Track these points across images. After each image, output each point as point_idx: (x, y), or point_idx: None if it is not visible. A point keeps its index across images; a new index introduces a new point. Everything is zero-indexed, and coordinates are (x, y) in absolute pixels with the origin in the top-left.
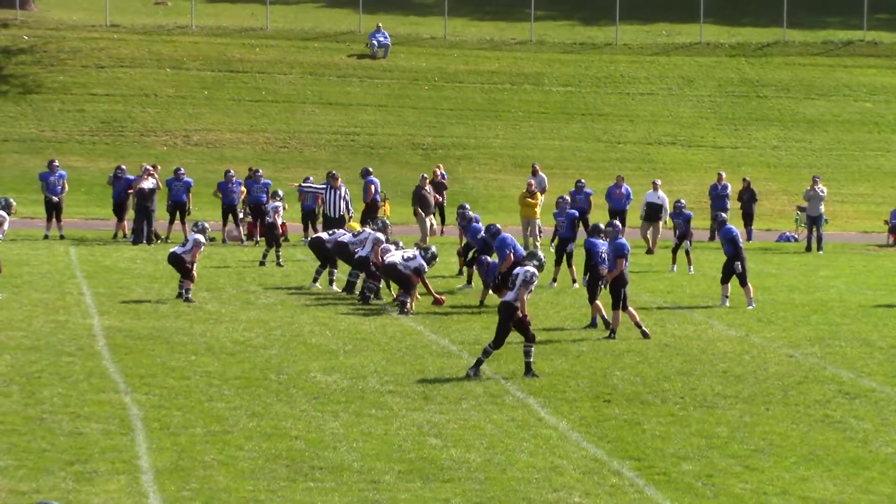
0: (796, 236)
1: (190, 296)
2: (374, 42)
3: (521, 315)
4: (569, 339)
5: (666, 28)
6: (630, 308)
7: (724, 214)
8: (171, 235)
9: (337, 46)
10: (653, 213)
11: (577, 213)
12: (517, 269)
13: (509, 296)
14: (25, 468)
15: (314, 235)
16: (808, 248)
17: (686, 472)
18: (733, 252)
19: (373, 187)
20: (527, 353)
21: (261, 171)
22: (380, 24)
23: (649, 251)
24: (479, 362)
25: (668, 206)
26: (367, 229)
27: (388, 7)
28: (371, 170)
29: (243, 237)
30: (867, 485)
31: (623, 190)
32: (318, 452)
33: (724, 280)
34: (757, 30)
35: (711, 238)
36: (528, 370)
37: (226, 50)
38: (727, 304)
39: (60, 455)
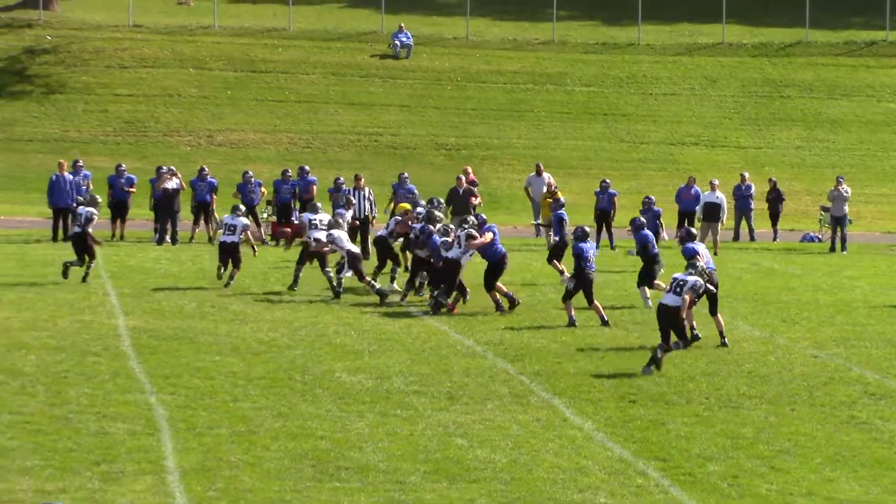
0: (820, 237)
1: (233, 283)
2: (397, 42)
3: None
4: (594, 339)
5: (689, 28)
6: (719, 316)
7: (641, 219)
8: (195, 236)
9: (360, 47)
10: (711, 213)
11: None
12: (686, 277)
13: (668, 299)
14: (52, 468)
15: (378, 234)
16: (833, 249)
17: (711, 472)
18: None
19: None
20: (666, 350)
21: (289, 171)
22: (402, 25)
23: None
24: (655, 360)
25: (727, 206)
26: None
27: (411, 7)
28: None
29: (264, 237)
30: (893, 485)
31: (693, 191)
32: (343, 452)
33: (640, 283)
34: (780, 30)
35: (735, 238)
36: (654, 362)
37: (249, 50)
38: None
39: (86, 455)
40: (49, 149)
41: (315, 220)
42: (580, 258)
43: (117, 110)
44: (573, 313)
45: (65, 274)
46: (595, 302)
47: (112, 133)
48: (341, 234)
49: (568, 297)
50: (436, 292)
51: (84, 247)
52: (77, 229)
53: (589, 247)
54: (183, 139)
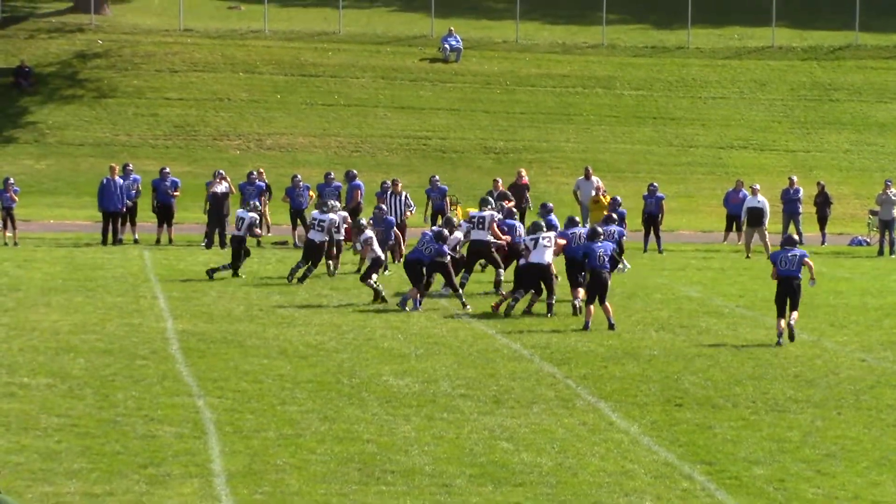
0: (868, 240)
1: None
2: (447, 46)
3: None
4: (640, 343)
5: (738, 32)
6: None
7: (578, 228)
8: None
9: (409, 50)
10: (754, 218)
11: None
12: None
13: None
14: (99, 471)
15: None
16: (881, 252)
17: (757, 476)
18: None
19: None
20: None
21: (332, 174)
22: (452, 28)
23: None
24: None
25: (769, 210)
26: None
27: (461, 11)
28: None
29: None
30: None
31: (741, 195)
32: (389, 456)
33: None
34: (829, 33)
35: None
36: None
37: (299, 54)
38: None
39: (134, 458)
40: (99, 153)
41: (317, 220)
42: (590, 258)
43: (167, 114)
44: (611, 317)
45: (210, 275)
46: (606, 304)
47: (162, 137)
48: (374, 237)
49: (602, 299)
50: (549, 298)
51: (244, 249)
52: (237, 232)
53: (598, 247)
54: (232, 143)
